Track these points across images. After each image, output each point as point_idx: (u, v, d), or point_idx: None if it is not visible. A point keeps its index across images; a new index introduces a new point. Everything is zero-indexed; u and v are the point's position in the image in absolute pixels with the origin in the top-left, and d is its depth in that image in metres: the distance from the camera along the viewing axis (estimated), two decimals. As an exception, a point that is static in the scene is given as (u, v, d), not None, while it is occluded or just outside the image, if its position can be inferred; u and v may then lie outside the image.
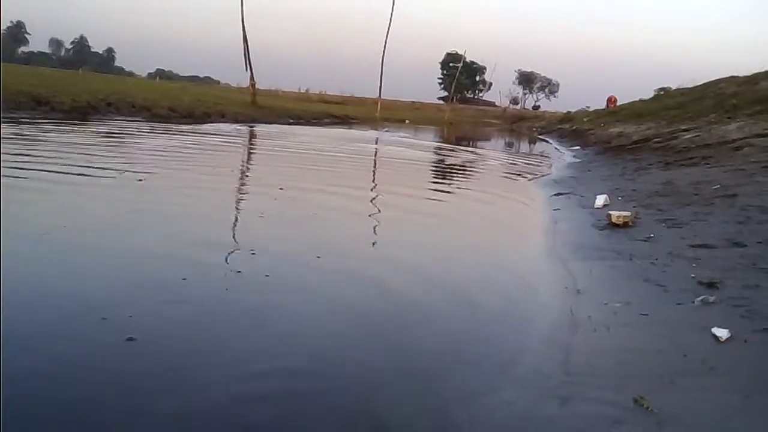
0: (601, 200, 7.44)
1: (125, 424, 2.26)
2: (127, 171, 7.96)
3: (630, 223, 6.04)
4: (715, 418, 2.36)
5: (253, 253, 4.55)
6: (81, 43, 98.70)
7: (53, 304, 3.35)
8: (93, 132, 13.45)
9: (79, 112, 16.68)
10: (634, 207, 6.89)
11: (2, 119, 12.38)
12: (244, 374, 2.69)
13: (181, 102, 21.83)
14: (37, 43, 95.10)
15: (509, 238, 6.59)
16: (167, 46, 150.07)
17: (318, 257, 4.59)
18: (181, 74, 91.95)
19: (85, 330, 3.03)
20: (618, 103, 30.76)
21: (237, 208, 6.81)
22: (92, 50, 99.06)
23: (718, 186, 7.38)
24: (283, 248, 4.89)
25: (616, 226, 6.01)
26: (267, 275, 4.05)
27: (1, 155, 6.14)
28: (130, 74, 68.45)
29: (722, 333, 3.06)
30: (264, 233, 5.46)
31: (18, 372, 2.51)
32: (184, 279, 3.89)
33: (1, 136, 8.58)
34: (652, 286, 4.04)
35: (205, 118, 20.06)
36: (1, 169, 5.00)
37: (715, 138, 11.62)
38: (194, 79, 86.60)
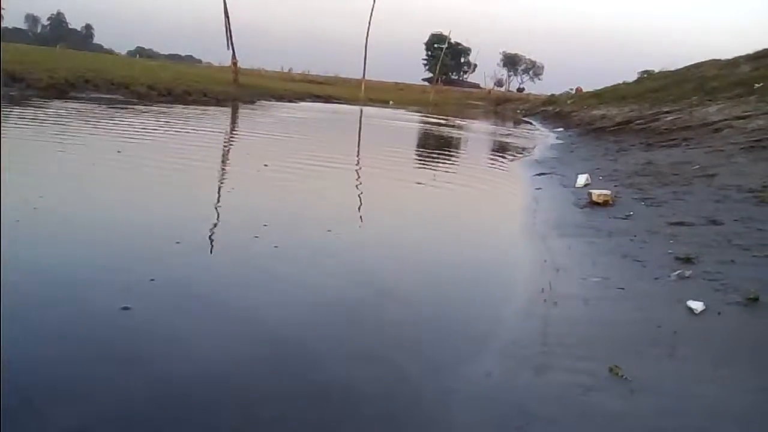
0: (582, 180, 7.48)
1: (122, 391, 2.27)
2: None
3: (610, 202, 6.09)
4: (686, 385, 2.41)
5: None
6: (58, 20, 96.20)
7: (53, 272, 3.36)
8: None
9: (56, 89, 16.30)
10: (614, 186, 6.95)
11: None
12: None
13: (161, 80, 21.38)
14: (11, 18, 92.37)
15: (491, 216, 6.63)
16: (147, 23, 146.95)
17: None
18: (161, 52, 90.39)
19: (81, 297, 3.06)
20: (601, 87, 31.22)
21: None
22: (70, 27, 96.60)
23: (698, 166, 7.46)
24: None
25: (597, 204, 6.06)
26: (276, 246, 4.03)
27: (1, 150, 5.98)
28: (109, 52, 66.73)
29: (697, 306, 3.11)
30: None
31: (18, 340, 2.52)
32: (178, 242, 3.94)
33: (1, 128, 8.32)
34: (630, 261, 4.09)
35: (185, 96, 19.74)
36: (1, 166, 4.87)
37: (696, 120, 11.72)
38: (175, 57, 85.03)
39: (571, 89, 40.03)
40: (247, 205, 5.69)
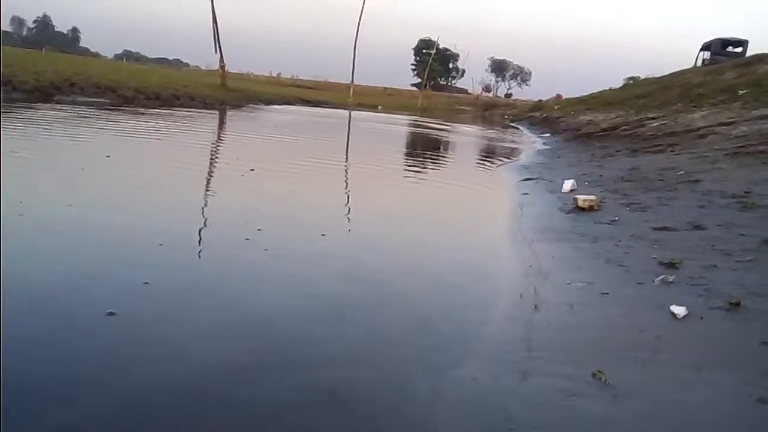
0: (568, 185, 7.53)
1: (109, 396, 2.26)
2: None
3: (596, 207, 6.13)
4: (669, 390, 2.42)
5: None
6: (44, 22, 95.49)
7: (36, 278, 3.34)
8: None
9: (42, 92, 16.15)
10: (600, 192, 6.99)
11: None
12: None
13: (148, 83, 21.28)
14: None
15: (478, 221, 6.64)
16: (135, 27, 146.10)
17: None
18: (149, 56, 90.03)
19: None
20: (588, 93, 31.68)
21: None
22: (56, 29, 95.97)
23: (682, 172, 7.53)
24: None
25: (582, 209, 6.10)
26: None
27: (1, 149, 5.94)
28: (96, 55, 66.30)
29: (680, 310, 3.13)
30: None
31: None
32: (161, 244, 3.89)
33: (1, 128, 8.22)
34: (615, 266, 4.11)
35: (173, 100, 19.65)
36: (2, 165, 4.82)
37: (681, 126, 11.85)
38: (162, 61, 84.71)
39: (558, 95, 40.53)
40: (241, 209, 5.65)
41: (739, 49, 24.04)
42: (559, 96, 38.56)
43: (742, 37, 24.66)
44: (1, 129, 8.11)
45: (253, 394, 2.37)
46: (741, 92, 12.59)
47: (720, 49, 24.74)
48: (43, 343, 2.62)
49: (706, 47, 26.04)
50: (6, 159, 6.31)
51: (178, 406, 2.27)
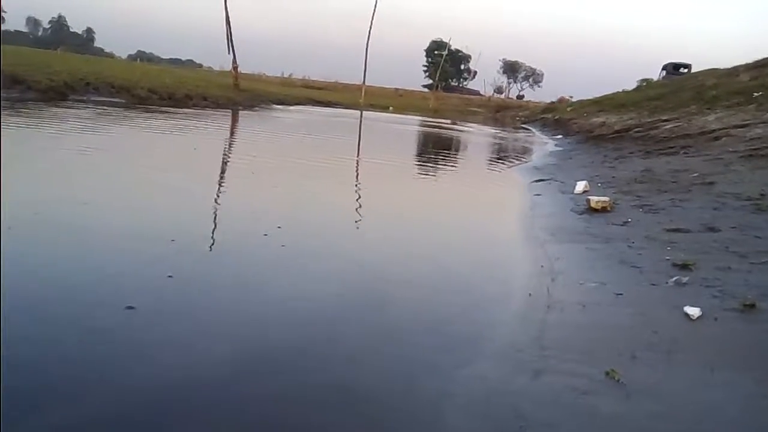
0: (580, 186, 7.50)
1: (128, 389, 2.29)
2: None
3: (608, 208, 6.11)
4: (682, 389, 2.42)
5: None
6: (59, 23, 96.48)
7: (56, 274, 3.38)
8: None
9: (57, 92, 16.30)
10: (613, 193, 6.97)
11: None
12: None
13: (162, 83, 21.41)
14: (13, 21, 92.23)
15: (490, 221, 6.64)
16: (148, 27, 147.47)
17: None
18: (162, 57, 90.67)
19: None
20: (601, 94, 31.74)
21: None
22: (71, 30, 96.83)
23: (696, 174, 7.48)
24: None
25: (595, 210, 6.08)
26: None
27: (1, 149, 6.01)
28: (110, 55, 66.56)
29: (694, 311, 3.12)
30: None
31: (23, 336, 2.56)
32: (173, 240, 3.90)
33: (1, 129, 8.32)
34: (628, 267, 4.10)
35: (186, 100, 19.77)
36: (1, 164, 4.88)
37: (695, 128, 11.76)
38: (176, 61, 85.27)
39: (570, 97, 40.32)
40: (260, 207, 5.70)
41: (686, 71, 29.41)
42: (561, 99, 38.72)
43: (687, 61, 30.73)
44: (1, 129, 8.19)
45: (262, 391, 2.39)
46: (756, 94, 12.47)
47: (672, 70, 30.65)
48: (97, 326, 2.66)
49: (664, 68, 31.89)
50: (17, 159, 6.39)
51: (194, 399, 2.29)
